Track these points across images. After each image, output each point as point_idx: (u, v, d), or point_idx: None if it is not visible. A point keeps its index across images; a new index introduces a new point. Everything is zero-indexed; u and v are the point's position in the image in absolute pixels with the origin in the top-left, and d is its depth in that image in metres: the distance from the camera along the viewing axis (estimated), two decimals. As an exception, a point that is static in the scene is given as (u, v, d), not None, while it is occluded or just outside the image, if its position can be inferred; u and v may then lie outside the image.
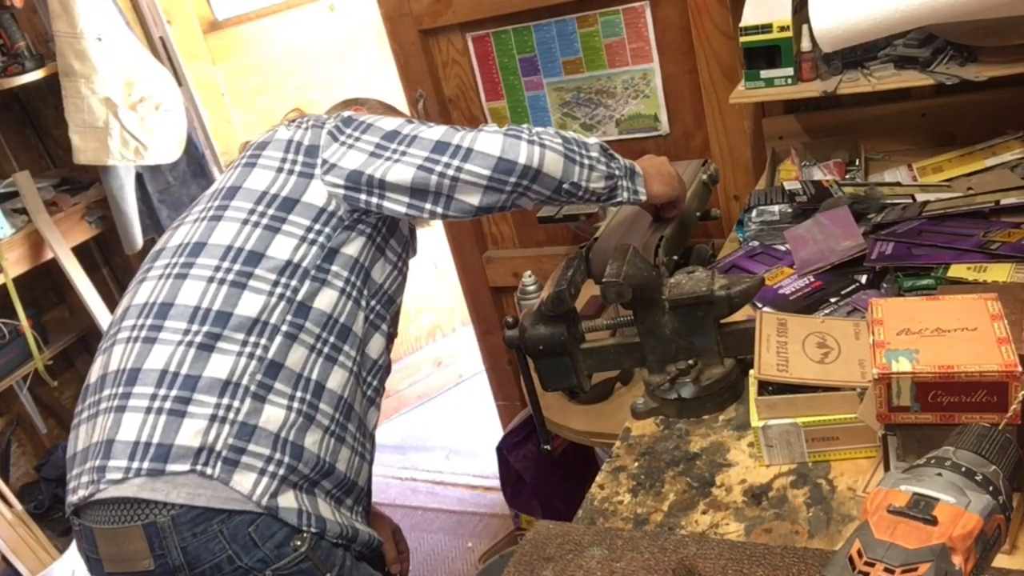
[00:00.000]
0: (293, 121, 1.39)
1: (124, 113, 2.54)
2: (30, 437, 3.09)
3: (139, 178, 2.72)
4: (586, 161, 1.30)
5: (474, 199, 1.28)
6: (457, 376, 3.60)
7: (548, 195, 1.30)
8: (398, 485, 3.15)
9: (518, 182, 1.26)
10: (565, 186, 1.29)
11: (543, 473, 2.28)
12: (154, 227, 2.81)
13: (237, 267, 1.26)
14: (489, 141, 1.26)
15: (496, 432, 2.67)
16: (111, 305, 2.79)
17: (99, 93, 2.50)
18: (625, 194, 1.35)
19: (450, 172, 1.25)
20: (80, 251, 2.82)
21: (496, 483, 2.55)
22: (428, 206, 1.29)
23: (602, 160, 1.32)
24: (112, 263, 3.19)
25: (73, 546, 2.34)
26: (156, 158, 2.65)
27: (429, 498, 3.06)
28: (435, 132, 1.29)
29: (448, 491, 3.07)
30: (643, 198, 1.37)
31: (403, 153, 1.28)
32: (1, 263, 2.55)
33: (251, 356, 1.22)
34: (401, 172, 1.27)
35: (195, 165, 2.79)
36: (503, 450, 2.31)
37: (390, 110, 1.63)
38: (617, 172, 1.34)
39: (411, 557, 1.66)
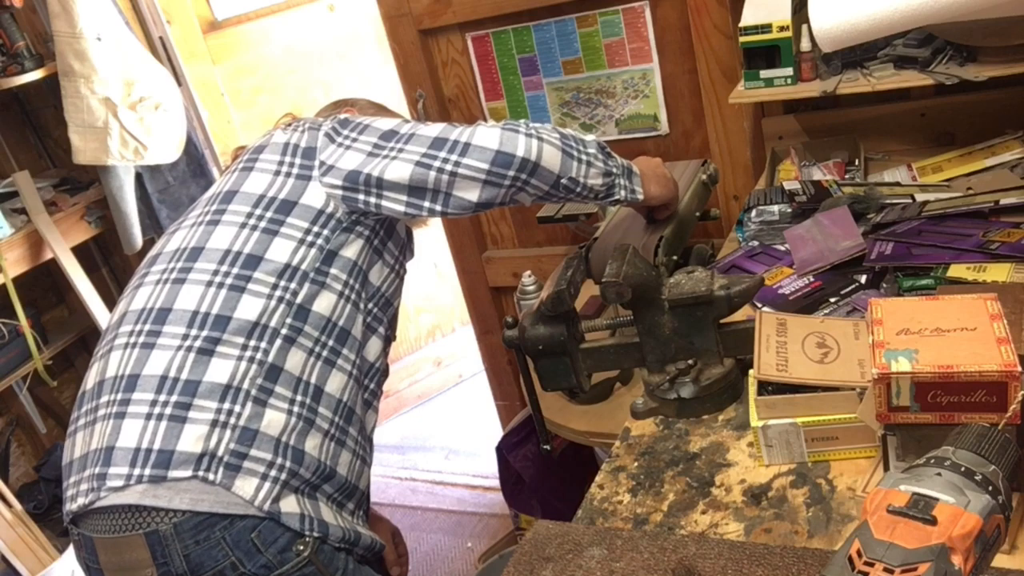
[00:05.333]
0: (289, 125, 1.39)
1: (123, 113, 2.54)
2: (29, 437, 3.09)
3: (139, 178, 2.73)
4: (584, 157, 1.30)
5: (472, 194, 1.27)
6: (457, 376, 3.60)
7: (546, 190, 1.30)
8: (397, 485, 3.15)
9: (516, 175, 1.26)
10: (563, 181, 1.29)
11: (543, 473, 2.27)
12: (154, 227, 2.81)
13: (236, 271, 1.25)
14: (487, 135, 1.26)
15: (496, 432, 2.67)
16: (110, 305, 2.79)
17: (98, 93, 2.50)
18: (623, 192, 1.35)
19: (448, 167, 1.25)
20: (80, 251, 2.82)
21: (496, 483, 2.55)
22: (427, 204, 1.28)
23: (599, 157, 1.32)
24: (111, 263, 3.19)
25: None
26: (156, 158, 2.65)
27: (428, 498, 3.06)
28: (432, 129, 1.29)
29: (447, 491, 3.06)
30: (640, 198, 1.37)
31: (400, 151, 1.27)
32: (1, 263, 2.55)
33: (251, 360, 1.21)
34: (399, 169, 1.26)
35: (195, 165, 2.79)
36: (503, 450, 2.31)
37: (381, 109, 1.62)
38: (615, 170, 1.33)
39: (411, 557, 1.66)
